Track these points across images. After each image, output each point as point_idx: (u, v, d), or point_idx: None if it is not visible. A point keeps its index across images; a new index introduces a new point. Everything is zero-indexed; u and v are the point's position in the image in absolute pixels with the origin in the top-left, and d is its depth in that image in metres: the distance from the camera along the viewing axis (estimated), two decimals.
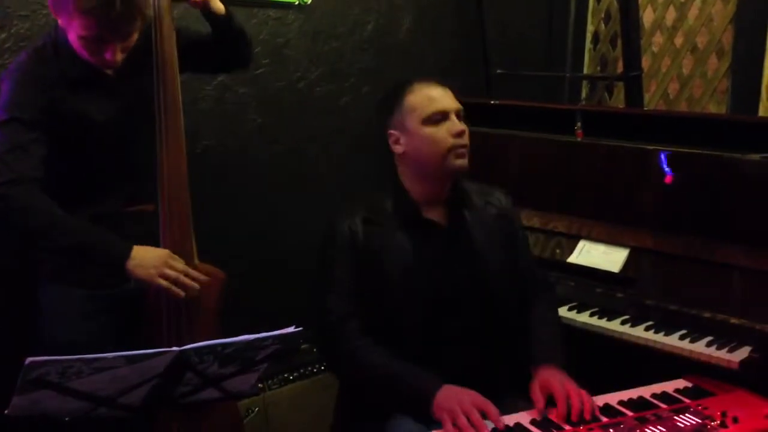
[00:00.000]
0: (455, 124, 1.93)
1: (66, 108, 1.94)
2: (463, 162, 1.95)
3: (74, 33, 1.85)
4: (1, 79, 1.96)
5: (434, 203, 2.00)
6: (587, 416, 1.71)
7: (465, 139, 1.95)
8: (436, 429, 1.70)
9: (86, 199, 2.02)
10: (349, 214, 1.97)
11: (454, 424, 1.67)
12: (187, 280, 1.97)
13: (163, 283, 1.93)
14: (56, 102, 1.93)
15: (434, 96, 1.94)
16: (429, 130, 1.92)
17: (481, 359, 1.95)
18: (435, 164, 1.94)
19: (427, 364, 1.85)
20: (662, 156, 2.46)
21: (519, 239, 2.13)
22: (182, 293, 1.97)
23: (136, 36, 1.93)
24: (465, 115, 1.98)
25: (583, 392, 1.77)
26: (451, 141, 1.92)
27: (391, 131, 1.97)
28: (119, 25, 1.83)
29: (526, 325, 2.03)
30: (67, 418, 1.55)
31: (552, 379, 1.82)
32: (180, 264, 1.98)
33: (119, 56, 1.90)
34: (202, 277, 2.02)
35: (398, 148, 1.97)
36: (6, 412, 1.46)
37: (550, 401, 1.77)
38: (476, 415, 1.67)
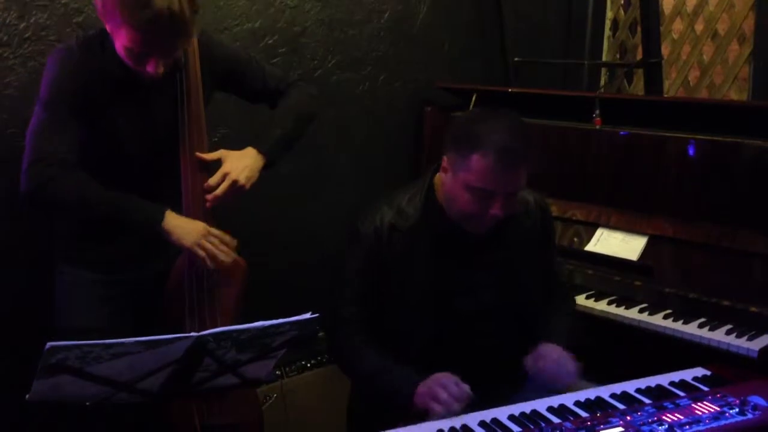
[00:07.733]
0: (494, 208, 1.84)
1: (97, 109, 1.95)
2: (479, 231, 1.92)
3: (119, 42, 1.85)
4: (48, 56, 1.97)
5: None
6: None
7: (494, 220, 1.87)
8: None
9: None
10: (376, 218, 1.96)
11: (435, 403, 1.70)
12: (221, 254, 1.98)
13: (200, 252, 1.95)
14: (91, 98, 1.93)
15: (495, 176, 1.81)
16: (467, 196, 1.84)
17: (498, 367, 1.95)
18: (455, 215, 1.91)
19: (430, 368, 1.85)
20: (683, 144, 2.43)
21: (550, 248, 2.12)
22: (214, 264, 1.98)
23: (180, 53, 1.93)
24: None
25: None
26: (477, 211, 1.86)
27: (447, 158, 1.90)
28: (164, 42, 1.83)
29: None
30: (87, 403, 1.57)
31: (546, 348, 1.87)
32: (219, 234, 1.99)
33: (160, 69, 1.88)
34: (233, 250, 2.03)
35: (443, 176, 1.92)
36: (27, 397, 1.47)
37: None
38: (453, 387, 1.71)
